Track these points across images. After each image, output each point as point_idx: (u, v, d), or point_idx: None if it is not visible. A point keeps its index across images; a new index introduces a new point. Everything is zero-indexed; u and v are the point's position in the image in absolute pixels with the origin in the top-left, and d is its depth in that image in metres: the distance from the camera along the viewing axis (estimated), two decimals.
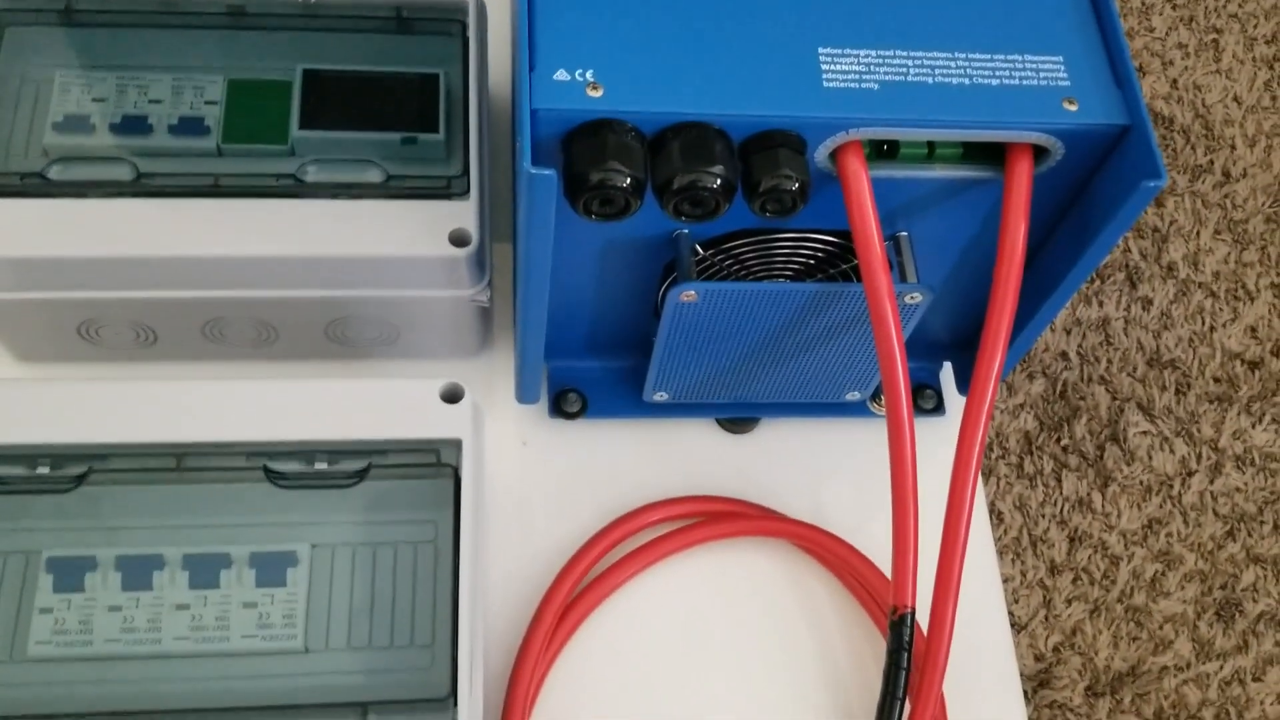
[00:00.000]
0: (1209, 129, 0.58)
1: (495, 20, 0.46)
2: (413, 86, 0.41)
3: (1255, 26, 0.63)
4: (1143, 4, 0.62)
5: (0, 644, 0.32)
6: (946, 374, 0.47)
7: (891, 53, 0.34)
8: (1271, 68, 0.61)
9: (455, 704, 0.32)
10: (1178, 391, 0.51)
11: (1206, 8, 0.62)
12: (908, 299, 0.37)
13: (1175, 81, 0.60)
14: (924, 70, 0.34)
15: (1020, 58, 0.35)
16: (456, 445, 0.36)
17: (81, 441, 0.35)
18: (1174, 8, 0.62)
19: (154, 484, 0.35)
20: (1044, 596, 0.46)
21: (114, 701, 0.32)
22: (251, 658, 0.33)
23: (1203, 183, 0.57)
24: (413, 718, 0.32)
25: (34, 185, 0.38)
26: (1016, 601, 0.47)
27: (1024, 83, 0.34)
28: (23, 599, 0.33)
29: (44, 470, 0.34)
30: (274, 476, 0.35)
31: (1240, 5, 0.63)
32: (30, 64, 0.40)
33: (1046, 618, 0.46)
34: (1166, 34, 0.62)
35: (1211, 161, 0.58)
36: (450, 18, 0.43)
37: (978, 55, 0.34)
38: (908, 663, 0.37)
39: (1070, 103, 0.34)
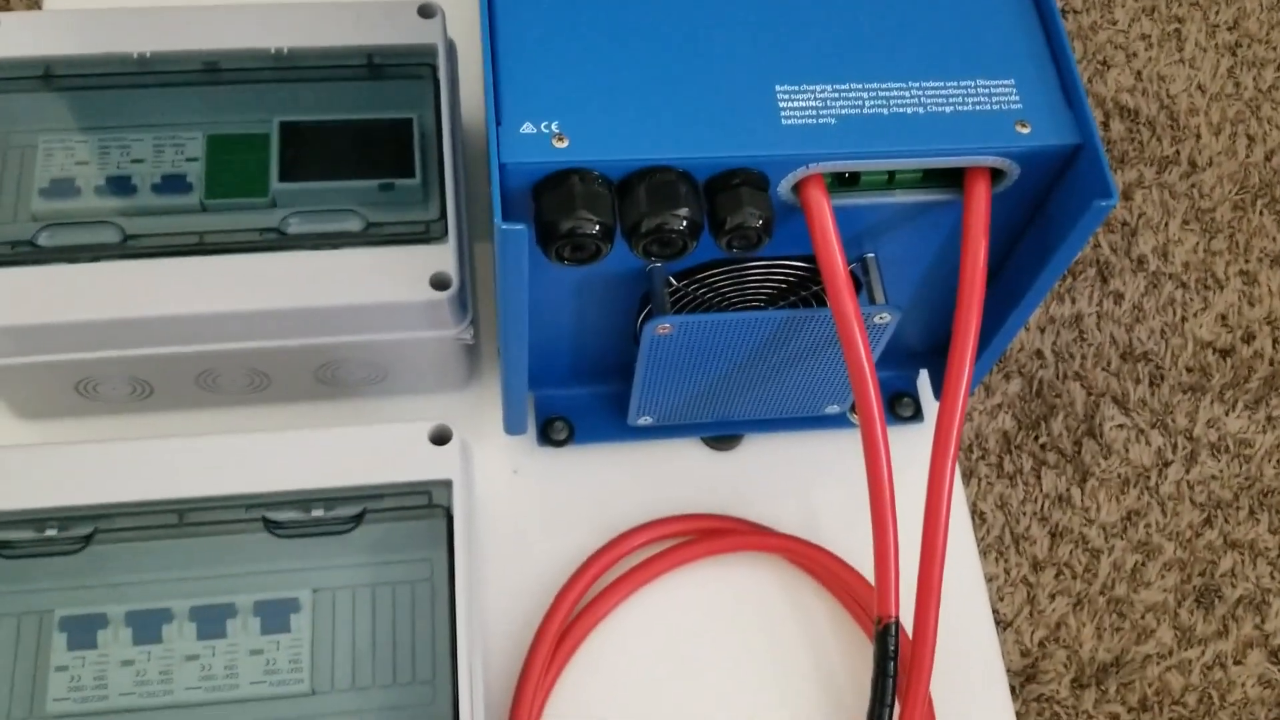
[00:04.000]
0: (1174, 119, 0.59)
1: (470, 58, 0.47)
2: (387, 132, 0.42)
3: (1216, 13, 0.64)
4: None
5: (20, 702, 0.34)
6: (924, 381, 0.48)
7: (847, 86, 0.35)
8: (1234, 54, 0.62)
9: None
10: (1151, 383, 0.52)
11: None
12: (876, 319, 0.38)
13: (1139, 73, 0.61)
14: (879, 102, 0.35)
15: (973, 83, 0.36)
16: (447, 486, 0.37)
17: (87, 503, 0.36)
18: None
19: (158, 540, 0.36)
20: (1028, 593, 0.48)
21: None
22: (261, 703, 0.34)
23: (1169, 174, 0.58)
24: None
25: (25, 253, 0.39)
26: (1001, 599, 0.48)
27: (977, 108, 0.35)
28: (39, 658, 0.34)
29: (52, 533, 0.36)
30: (273, 526, 0.36)
31: None
32: (13, 131, 0.41)
33: (1031, 614, 0.47)
34: (1129, 26, 0.63)
35: (1178, 152, 0.59)
36: (420, 61, 0.44)
37: (931, 83, 0.35)
38: (894, 670, 0.39)
39: (1023, 125, 0.35)
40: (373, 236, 0.40)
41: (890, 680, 0.39)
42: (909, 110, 0.35)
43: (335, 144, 0.42)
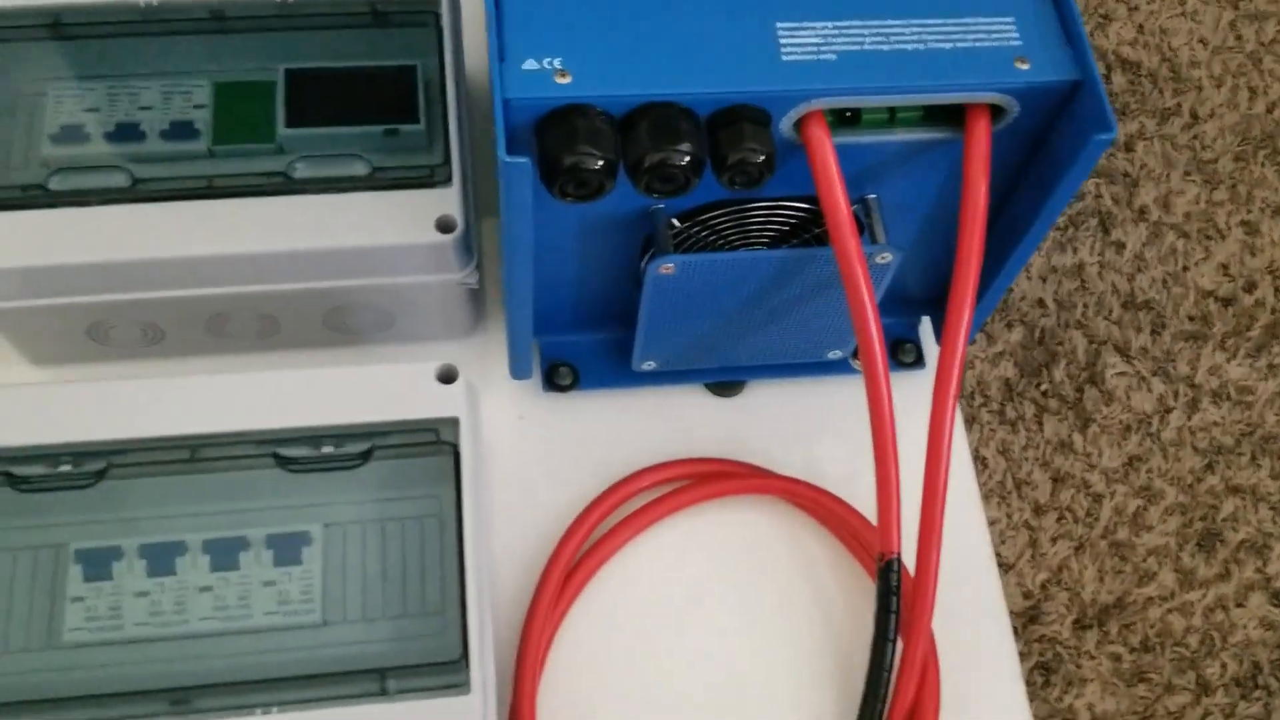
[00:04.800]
0: (1175, 72, 0.60)
1: (472, 7, 0.48)
2: (391, 79, 0.43)
3: None
4: None
5: (37, 632, 0.34)
6: (926, 328, 0.48)
7: (847, 23, 0.35)
8: (1236, 7, 0.62)
9: (467, 664, 0.34)
10: (1153, 331, 0.52)
11: None
12: (878, 259, 0.39)
13: (1141, 27, 0.61)
14: (879, 38, 0.35)
15: (972, 20, 0.36)
16: (454, 423, 0.38)
17: (99, 439, 0.36)
18: None
19: (171, 475, 0.37)
20: (1030, 537, 0.48)
21: (146, 681, 0.34)
22: (273, 633, 0.35)
23: (1171, 125, 0.58)
24: (428, 679, 0.34)
25: (36, 197, 0.40)
26: (1004, 543, 0.48)
27: (977, 44, 0.35)
28: (55, 590, 0.35)
29: (66, 468, 0.36)
30: (284, 462, 0.37)
31: None
32: (23, 79, 0.42)
33: (1033, 557, 0.48)
34: None
35: (1179, 104, 0.59)
36: (424, 9, 0.44)
37: (931, 20, 0.36)
38: (896, 605, 0.39)
39: (1022, 62, 0.35)
40: (378, 181, 0.41)
41: (893, 616, 0.39)
42: (909, 47, 0.35)
43: (340, 91, 0.42)
